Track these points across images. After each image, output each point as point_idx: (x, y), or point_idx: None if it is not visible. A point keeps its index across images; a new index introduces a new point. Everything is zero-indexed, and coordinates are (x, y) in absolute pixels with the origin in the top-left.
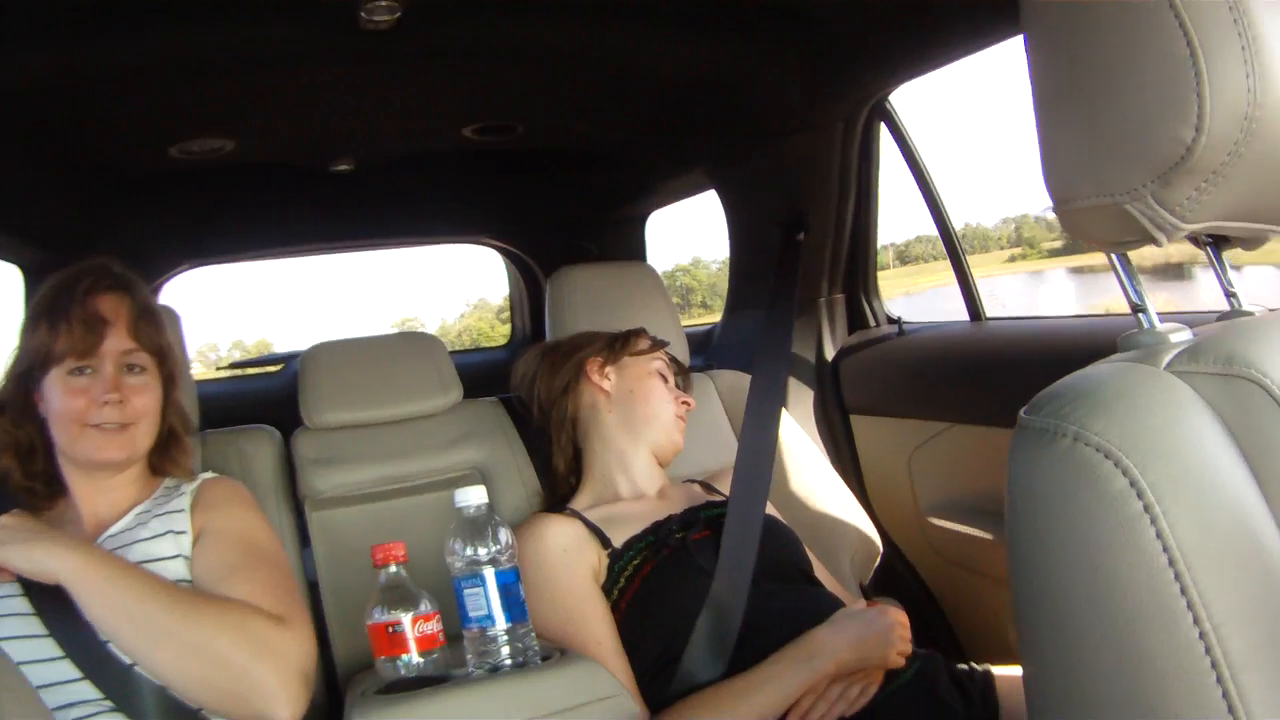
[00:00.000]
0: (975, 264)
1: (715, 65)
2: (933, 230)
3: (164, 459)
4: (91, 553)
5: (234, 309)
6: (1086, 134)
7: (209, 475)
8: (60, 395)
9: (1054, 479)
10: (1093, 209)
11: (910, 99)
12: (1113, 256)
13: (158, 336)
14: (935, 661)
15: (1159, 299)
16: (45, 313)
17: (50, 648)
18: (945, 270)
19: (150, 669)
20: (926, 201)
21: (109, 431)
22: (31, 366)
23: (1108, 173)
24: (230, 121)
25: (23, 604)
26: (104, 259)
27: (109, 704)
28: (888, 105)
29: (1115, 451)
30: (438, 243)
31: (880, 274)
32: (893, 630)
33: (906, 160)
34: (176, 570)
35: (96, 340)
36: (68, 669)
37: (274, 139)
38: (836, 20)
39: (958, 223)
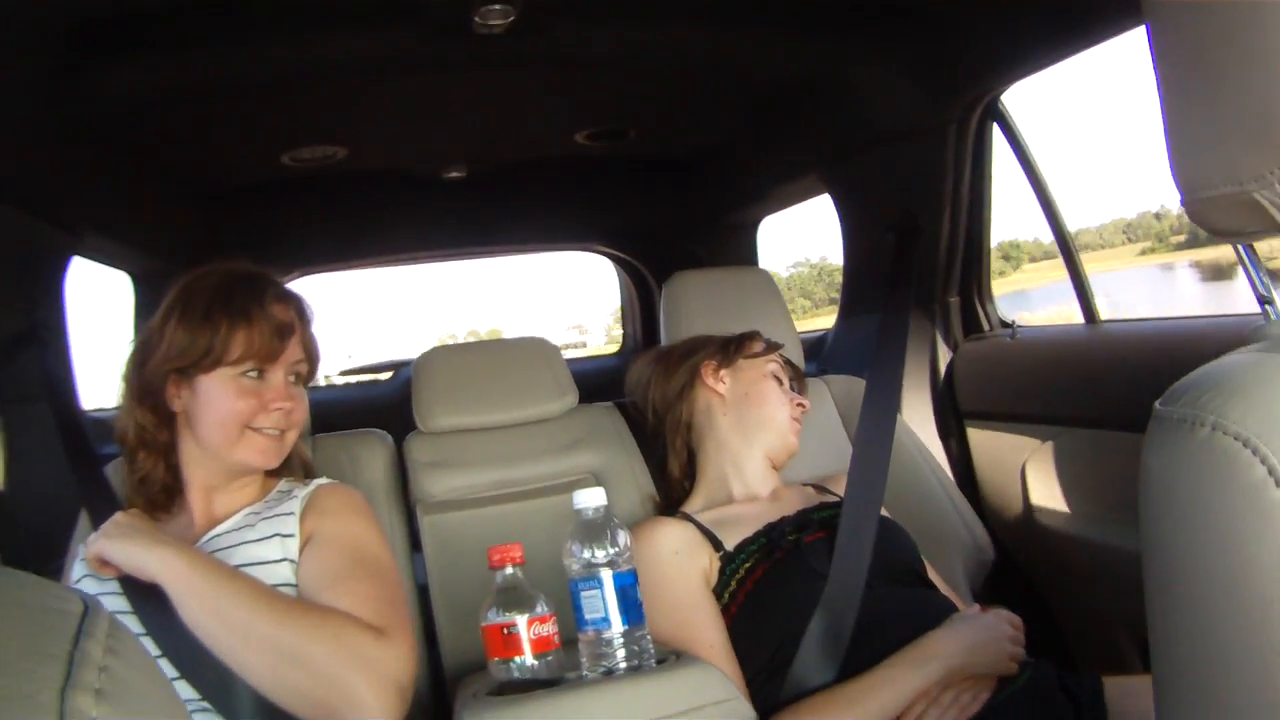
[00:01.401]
0: (1110, 257)
1: (825, 69)
2: (1096, 219)
3: (283, 464)
4: (194, 556)
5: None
6: (1212, 121)
7: (324, 481)
8: (229, 396)
9: (1191, 469)
10: (1220, 198)
11: (1093, 68)
12: (1239, 248)
13: (316, 349)
14: (1047, 669)
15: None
16: (223, 310)
17: (147, 646)
18: (1093, 263)
19: (244, 673)
20: (1040, 204)
21: (270, 437)
22: (191, 363)
23: (1234, 160)
24: (343, 129)
25: (120, 602)
26: (251, 265)
27: (205, 704)
28: (1000, 106)
29: (1254, 440)
30: (549, 250)
31: (1033, 265)
32: (1007, 636)
33: (1020, 161)
34: (282, 574)
35: (281, 347)
36: (164, 668)
37: (386, 146)
38: (946, 18)
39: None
